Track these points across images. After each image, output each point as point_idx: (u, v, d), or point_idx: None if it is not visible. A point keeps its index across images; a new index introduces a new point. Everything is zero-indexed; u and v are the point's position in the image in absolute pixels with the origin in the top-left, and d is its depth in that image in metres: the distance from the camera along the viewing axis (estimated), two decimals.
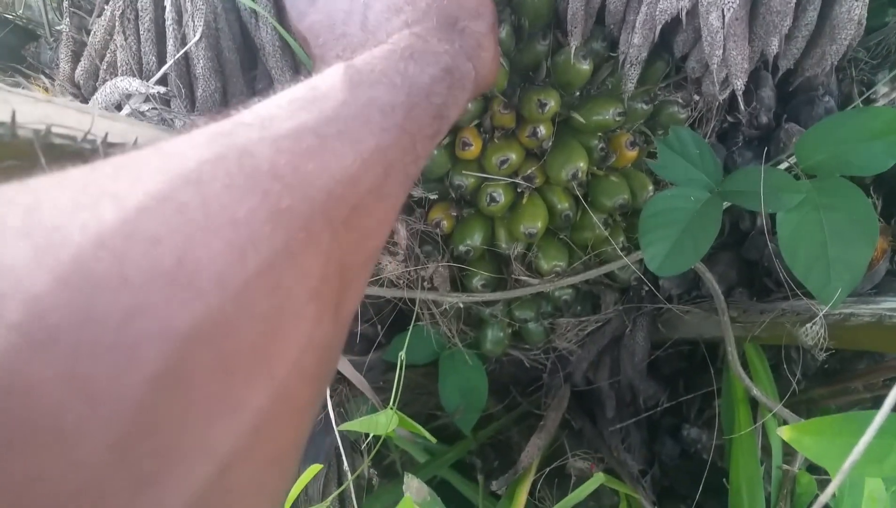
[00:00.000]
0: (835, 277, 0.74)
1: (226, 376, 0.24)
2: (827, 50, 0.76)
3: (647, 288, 0.99)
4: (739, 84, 0.75)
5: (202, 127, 0.31)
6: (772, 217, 0.95)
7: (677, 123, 0.90)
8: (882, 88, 1.03)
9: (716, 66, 0.75)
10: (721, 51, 0.74)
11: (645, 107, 0.86)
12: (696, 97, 0.92)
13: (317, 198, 0.30)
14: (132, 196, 0.24)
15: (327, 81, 0.37)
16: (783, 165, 0.93)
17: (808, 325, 0.73)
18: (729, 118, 1.02)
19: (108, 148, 0.49)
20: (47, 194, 0.24)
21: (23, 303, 0.20)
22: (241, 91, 0.80)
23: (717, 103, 0.96)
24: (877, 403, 1.16)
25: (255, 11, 0.78)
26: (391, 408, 0.78)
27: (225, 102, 0.80)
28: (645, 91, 0.87)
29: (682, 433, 1.27)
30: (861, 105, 1.00)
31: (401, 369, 0.82)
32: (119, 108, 0.81)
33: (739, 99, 0.77)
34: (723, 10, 0.69)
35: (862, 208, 0.75)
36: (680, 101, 0.89)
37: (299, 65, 0.78)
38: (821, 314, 0.72)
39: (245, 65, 0.83)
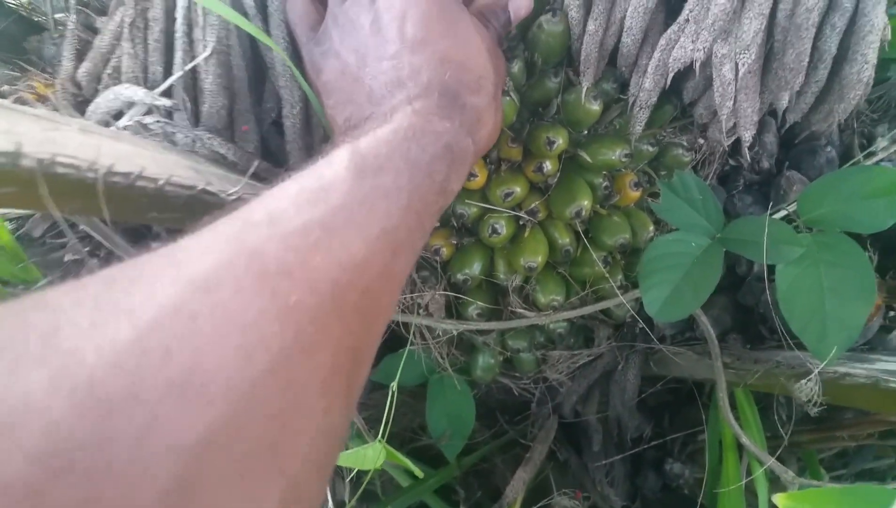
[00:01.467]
0: (831, 333, 0.75)
1: (238, 479, 0.24)
2: (835, 108, 0.77)
3: (640, 326, 0.99)
4: (748, 136, 0.76)
5: (213, 226, 0.31)
6: (770, 265, 0.96)
7: (681, 165, 0.90)
8: (882, 142, 1.04)
9: (725, 116, 0.75)
10: (732, 102, 0.74)
11: (651, 148, 0.86)
12: (701, 141, 0.93)
13: (325, 289, 0.31)
14: (146, 311, 0.24)
15: (333, 169, 0.38)
16: (782, 213, 0.93)
17: (804, 381, 0.73)
18: (731, 162, 1.03)
19: (112, 177, 0.49)
20: (65, 316, 0.24)
21: (41, 431, 0.20)
22: (248, 109, 0.79)
23: (720, 148, 0.97)
24: (860, 452, 1.17)
25: (268, 30, 0.77)
26: (380, 441, 0.77)
27: (230, 118, 0.79)
28: (651, 133, 0.87)
29: (666, 467, 1.28)
30: (862, 158, 1.01)
31: (391, 401, 0.82)
32: (119, 116, 0.80)
33: (745, 150, 0.78)
34: (737, 64, 0.70)
35: (861, 266, 0.76)
36: (685, 144, 0.89)
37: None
38: (816, 372, 0.73)
39: (253, 82, 0.82)
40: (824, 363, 0.73)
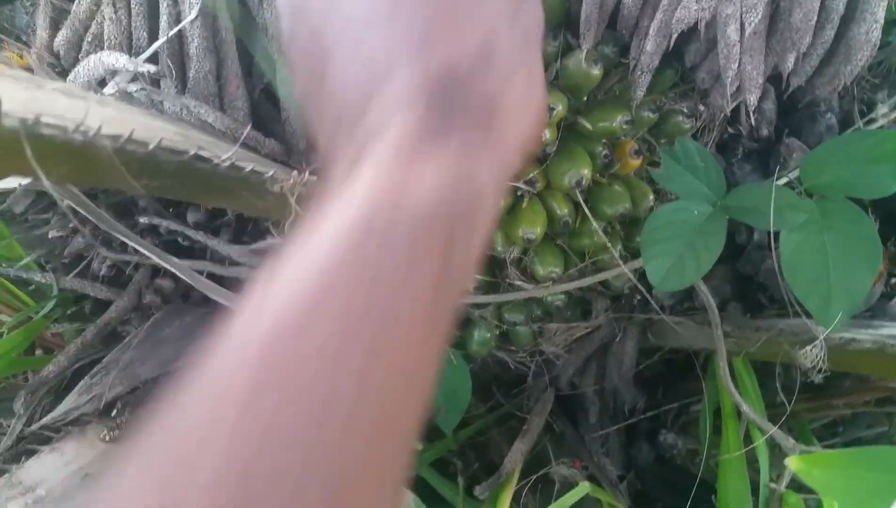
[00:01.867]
0: (835, 300, 0.74)
1: None
2: (841, 70, 0.75)
3: (639, 297, 0.98)
4: (752, 99, 0.74)
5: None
6: (770, 233, 0.95)
7: (681, 132, 0.88)
8: (882, 109, 1.02)
9: (729, 79, 0.74)
10: (736, 64, 0.72)
11: (651, 115, 0.84)
12: (701, 108, 0.91)
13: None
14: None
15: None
16: (783, 181, 0.92)
17: (808, 348, 0.73)
18: (730, 129, 1.01)
19: (101, 140, 0.46)
20: None
21: None
22: (237, 74, 0.76)
23: (720, 114, 0.95)
24: (856, 419, 1.17)
25: None
26: None
27: (219, 85, 0.76)
28: (652, 99, 0.85)
29: (659, 438, 1.27)
30: (862, 125, 0.99)
31: None
32: (103, 84, 0.77)
33: (750, 114, 0.76)
34: (742, 24, 0.68)
35: (865, 233, 0.75)
36: (685, 110, 0.87)
37: None
38: (821, 338, 0.72)
39: (243, 46, 0.79)
40: (829, 329, 0.72)
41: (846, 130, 0.99)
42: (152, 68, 0.72)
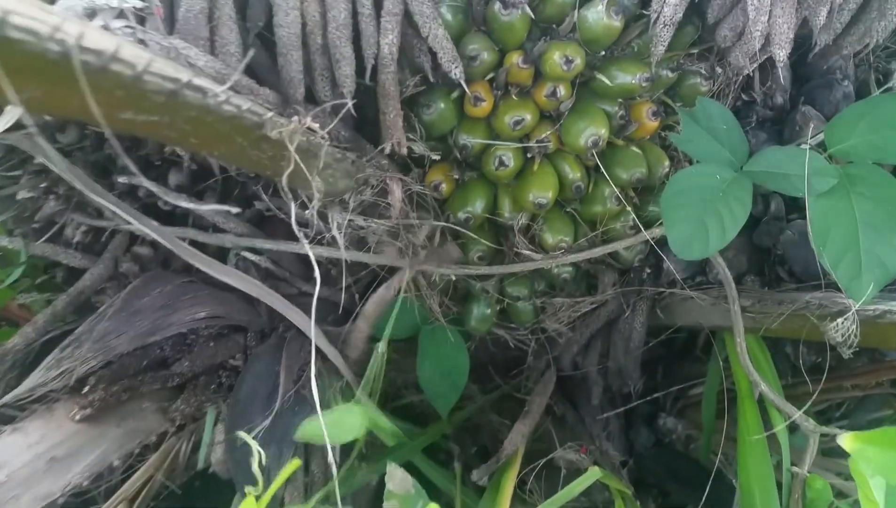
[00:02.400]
0: (866, 270, 0.69)
1: None
2: (874, 26, 0.71)
3: (649, 270, 0.94)
4: (783, 55, 0.69)
5: None
6: (787, 203, 0.91)
7: (698, 95, 0.84)
8: None
9: (758, 33, 0.69)
10: (766, 17, 0.68)
11: (670, 74, 0.79)
12: (719, 69, 0.86)
13: None
14: None
15: None
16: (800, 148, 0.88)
17: (840, 320, 0.68)
18: (743, 96, 0.97)
19: (82, 55, 0.40)
20: None
21: None
22: (230, 16, 0.70)
23: (738, 77, 0.91)
24: (866, 401, 1.14)
25: None
26: (357, 401, 0.70)
27: (210, 26, 0.70)
28: (670, 57, 0.80)
29: (659, 422, 1.23)
30: (879, 94, 0.95)
31: (382, 359, 0.75)
32: None
33: (780, 74, 0.72)
34: None
35: (895, 199, 0.71)
36: (703, 71, 0.83)
37: None
38: (854, 309, 0.67)
39: None
40: (861, 300, 0.67)
41: (862, 98, 0.95)
42: (139, 4, 0.65)
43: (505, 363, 1.15)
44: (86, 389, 0.78)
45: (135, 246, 0.98)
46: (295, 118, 0.57)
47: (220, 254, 1.03)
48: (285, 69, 0.70)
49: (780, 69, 0.71)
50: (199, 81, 0.47)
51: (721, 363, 1.08)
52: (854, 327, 0.68)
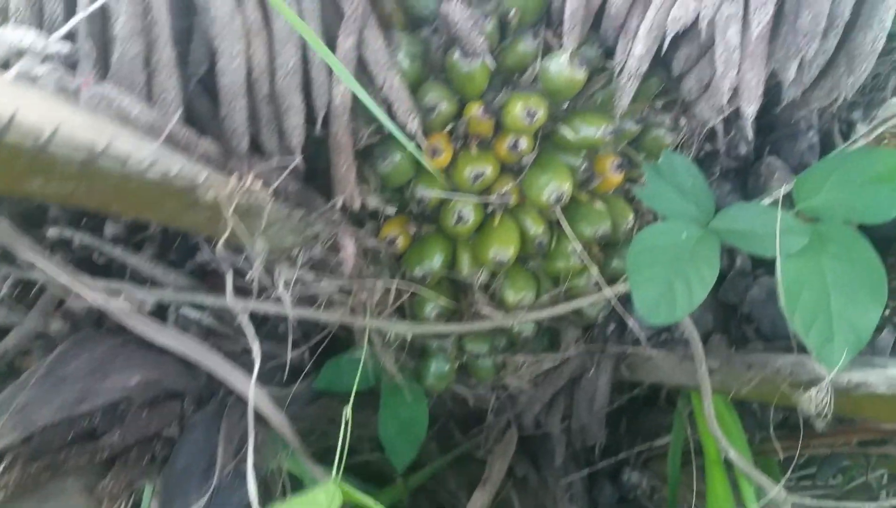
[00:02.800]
0: (838, 335, 0.67)
1: None
2: (842, 81, 0.69)
3: (613, 327, 0.90)
4: (751, 110, 0.67)
5: None
6: (754, 257, 0.88)
7: (662, 147, 0.81)
8: (862, 128, 0.98)
9: (727, 88, 0.66)
10: (735, 72, 0.65)
11: (635, 127, 0.76)
12: (683, 121, 0.84)
13: None
14: None
15: None
16: (766, 201, 0.86)
17: (813, 391, 0.65)
18: (708, 146, 0.95)
19: None
20: None
21: None
22: (170, 61, 0.64)
23: (701, 130, 0.89)
24: (835, 458, 1.11)
25: None
26: (335, 482, 0.64)
27: (147, 72, 0.65)
28: (635, 109, 0.77)
29: (623, 477, 1.19)
30: (842, 142, 0.95)
31: (345, 430, 0.69)
32: (7, 66, 0.65)
33: (748, 129, 0.69)
34: (750, 24, 0.61)
35: (868, 260, 0.68)
36: (668, 123, 0.80)
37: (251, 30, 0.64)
38: (827, 380, 0.64)
39: (179, 28, 0.68)
40: (835, 370, 0.65)
41: (826, 149, 0.94)
42: (65, 48, 0.60)
43: (465, 418, 1.10)
44: (1, 466, 0.71)
45: (67, 302, 0.91)
46: (233, 179, 0.52)
47: (162, 310, 0.97)
48: (228, 119, 0.65)
49: (747, 124, 0.68)
50: (120, 146, 0.42)
51: (686, 417, 1.05)
52: (828, 398, 0.65)
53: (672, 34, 0.64)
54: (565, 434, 1.01)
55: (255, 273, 0.69)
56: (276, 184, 0.59)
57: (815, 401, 0.65)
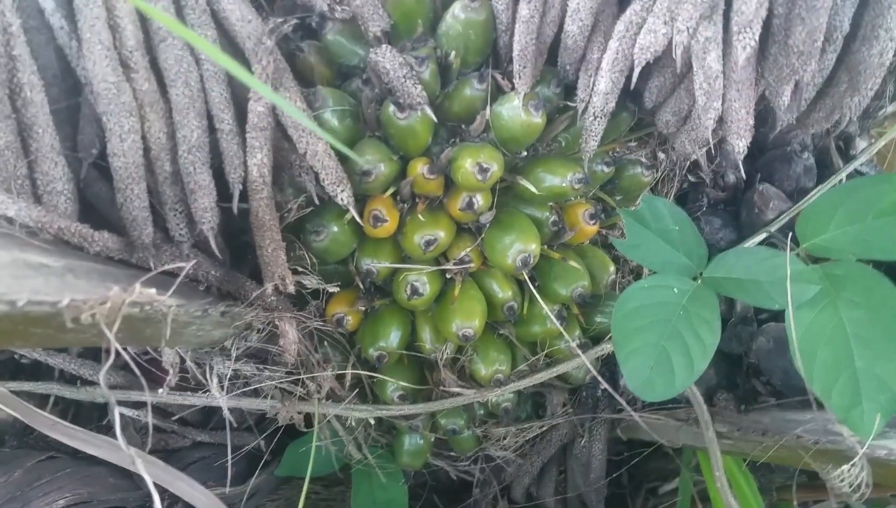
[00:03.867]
0: (866, 397, 0.57)
1: None
2: (845, 102, 0.60)
3: (603, 388, 0.80)
4: (741, 145, 0.57)
5: None
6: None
7: (640, 187, 0.71)
8: (861, 143, 0.89)
9: (710, 122, 0.57)
10: (719, 102, 0.56)
11: (606, 169, 0.67)
12: (661, 155, 0.75)
13: None
14: None
15: None
16: (759, 238, 0.76)
17: (846, 468, 0.55)
18: (690, 178, 0.85)
19: None
20: None
21: None
22: (53, 146, 0.54)
23: (683, 163, 0.79)
24: None
25: (76, 35, 0.54)
26: None
27: (28, 162, 0.55)
28: (605, 150, 0.68)
29: None
30: (841, 164, 0.85)
31: None
32: None
33: (740, 169, 0.59)
34: (733, 48, 0.51)
35: (893, 305, 0.59)
36: (644, 161, 0.71)
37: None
38: (860, 454, 0.54)
39: (65, 108, 0.58)
40: (869, 438, 0.54)
41: (824, 171, 0.84)
42: None
43: (450, 490, 0.99)
44: None
45: None
46: (113, 294, 0.42)
47: (100, 408, 0.86)
48: (127, 207, 0.55)
49: (738, 159, 0.58)
50: None
51: (692, 467, 0.96)
52: (865, 474, 0.55)
53: (641, 66, 0.55)
54: (562, 505, 0.90)
55: (170, 378, 0.59)
56: (169, 292, 0.49)
57: (849, 479, 0.55)
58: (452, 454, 0.89)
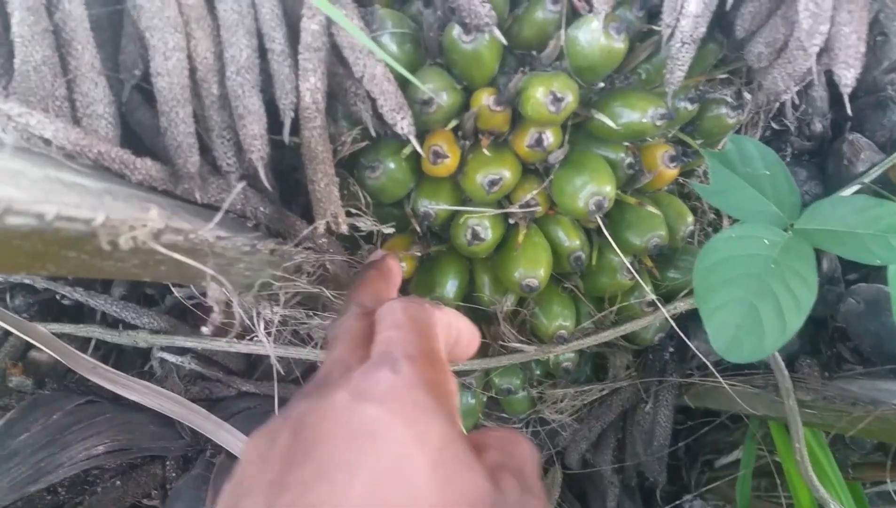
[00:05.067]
0: None
1: None
2: None
3: (672, 349, 0.74)
4: (850, 76, 0.51)
5: None
6: (846, 262, 0.72)
7: (723, 129, 0.65)
8: None
9: (815, 49, 0.50)
10: (827, 27, 0.49)
11: (689, 107, 0.61)
12: (747, 95, 0.68)
13: None
14: None
15: None
16: (853, 190, 0.69)
17: None
18: (774, 125, 0.78)
19: None
20: None
21: None
22: (92, 65, 0.50)
23: (769, 106, 0.72)
24: None
25: None
26: None
27: (67, 80, 0.51)
28: (688, 85, 0.62)
29: (684, 506, 1.04)
30: None
31: None
32: None
33: (846, 102, 0.53)
34: None
35: None
36: (729, 100, 0.64)
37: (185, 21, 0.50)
38: None
39: (106, 24, 0.54)
40: None
41: None
42: None
43: None
44: None
45: (31, 351, 0.79)
46: (152, 213, 0.38)
47: (143, 354, 0.84)
48: (170, 132, 0.51)
49: (845, 90, 0.52)
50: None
51: (758, 438, 0.90)
52: None
53: None
54: (618, 473, 0.85)
55: (215, 316, 0.56)
56: (220, 213, 0.45)
57: None
58: (504, 415, 0.85)
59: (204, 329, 0.59)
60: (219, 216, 0.43)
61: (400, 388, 0.31)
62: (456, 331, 0.41)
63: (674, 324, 0.62)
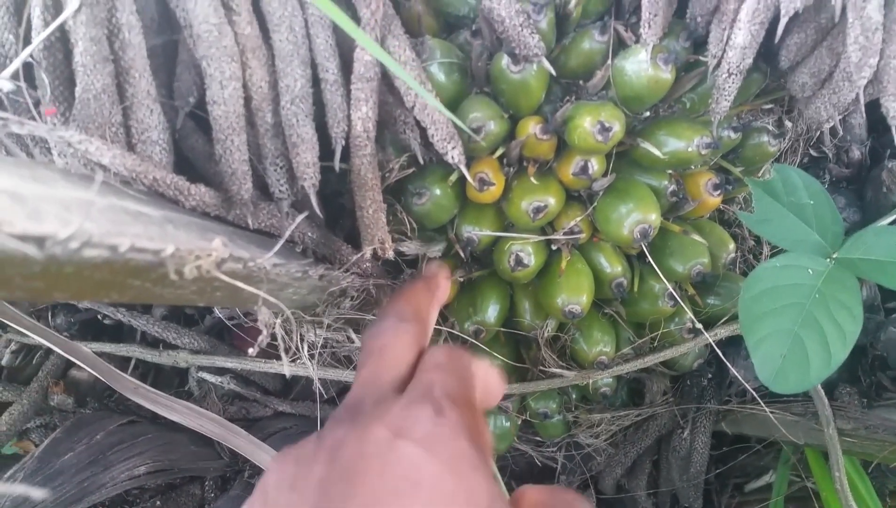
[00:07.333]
0: None
1: None
2: None
3: (710, 376, 0.74)
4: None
5: None
6: (885, 290, 0.72)
7: (764, 157, 0.65)
8: None
9: (864, 81, 0.50)
10: (876, 59, 0.50)
11: (733, 135, 0.61)
12: (788, 123, 0.68)
13: None
14: None
15: None
16: (893, 217, 0.69)
17: None
18: (812, 152, 0.78)
19: None
20: None
21: None
22: (148, 92, 0.52)
23: (809, 134, 0.73)
24: None
25: None
26: None
27: (123, 108, 0.52)
28: (732, 113, 0.62)
29: None
30: None
31: None
32: None
33: (895, 132, 0.53)
34: None
35: None
36: (771, 128, 0.64)
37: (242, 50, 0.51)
38: None
39: (161, 52, 0.56)
40: None
41: None
42: (8, 85, 0.48)
43: (530, 477, 0.95)
44: None
45: (71, 370, 0.80)
46: (216, 243, 0.39)
47: (180, 373, 0.85)
48: (225, 159, 0.52)
49: (893, 125, 0.52)
50: (35, 229, 0.29)
51: (791, 465, 0.89)
52: None
53: (789, 16, 0.49)
54: (652, 498, 0.85)
55: (263, 338, 0.56)
56: (279, 244, 0.45)
57: None
58: (538, 438, 0.85)
59: (251, 351, 0.60)
60: (279, 245, 0.44)
61: (445, 433, 0.31)
62: (486, 382, 0.41)
63: (718, 351, 0.62)
